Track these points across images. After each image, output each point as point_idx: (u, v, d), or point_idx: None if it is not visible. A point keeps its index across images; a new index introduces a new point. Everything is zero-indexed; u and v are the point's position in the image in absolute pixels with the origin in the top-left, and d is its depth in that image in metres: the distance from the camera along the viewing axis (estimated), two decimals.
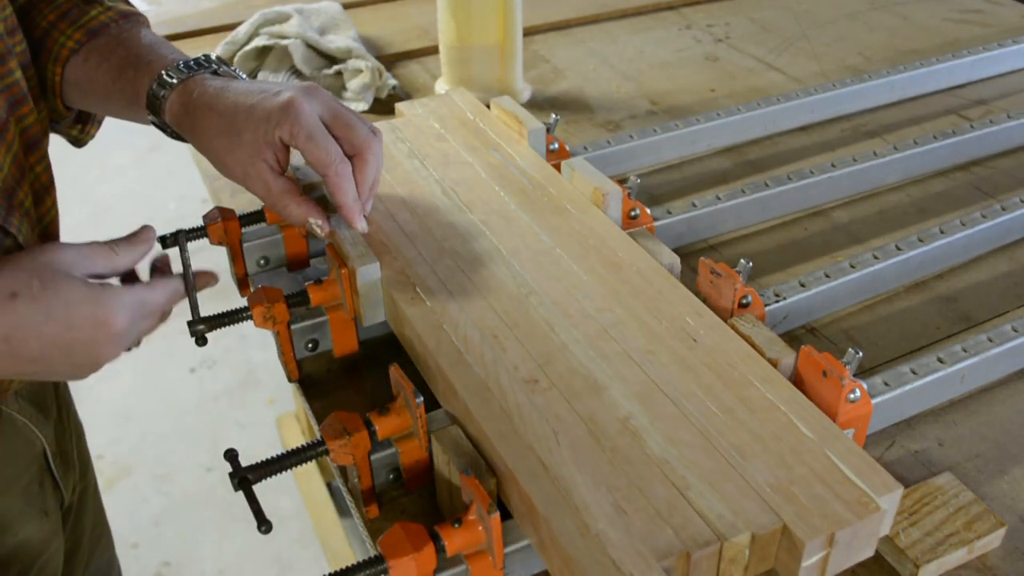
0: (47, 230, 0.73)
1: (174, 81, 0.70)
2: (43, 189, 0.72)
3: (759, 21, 1.40)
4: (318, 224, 0.69)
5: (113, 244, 0.63)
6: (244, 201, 0.99)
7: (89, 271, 0.60)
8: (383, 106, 1.15)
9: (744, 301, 0.68)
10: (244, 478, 0.58)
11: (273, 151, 0.66)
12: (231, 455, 0.59)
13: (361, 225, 0.69)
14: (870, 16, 1.40)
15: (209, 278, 0.70)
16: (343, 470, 0.64)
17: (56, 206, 0.75)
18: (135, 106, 0.73)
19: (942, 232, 0.82)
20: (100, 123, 0.83)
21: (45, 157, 0.72)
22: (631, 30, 1.38)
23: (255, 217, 0.80)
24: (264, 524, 0.56)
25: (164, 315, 0.65)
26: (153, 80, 0.70)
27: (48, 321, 0.56)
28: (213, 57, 0.73)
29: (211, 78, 0.70)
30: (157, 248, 0.70)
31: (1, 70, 0.65)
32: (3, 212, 0.64)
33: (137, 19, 0.77)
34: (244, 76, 0.73)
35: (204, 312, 0.72)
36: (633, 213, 0.78)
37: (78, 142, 0.83)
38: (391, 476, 0.63)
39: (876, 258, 0.79)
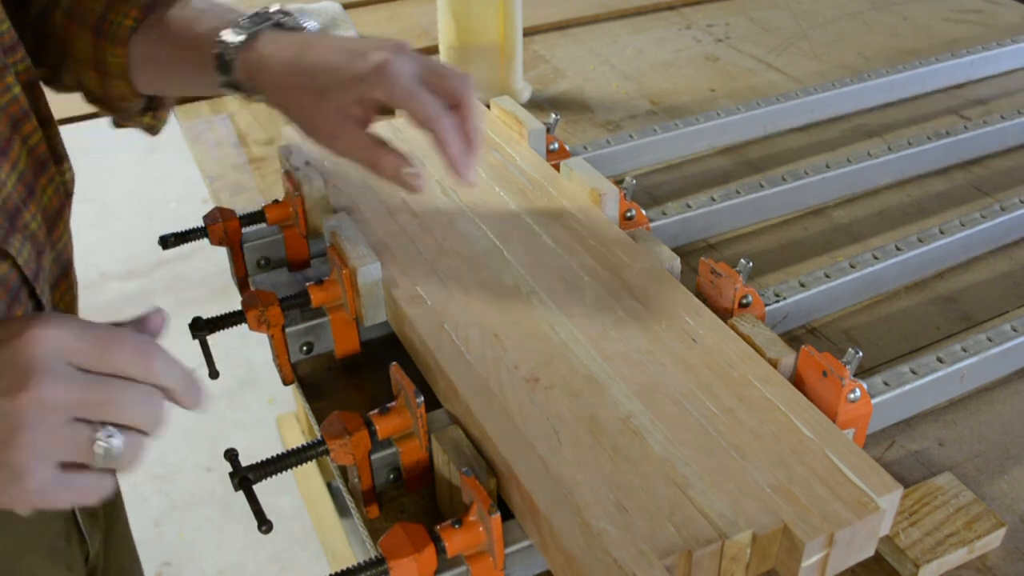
0: (60, 257, 0.68)
1: (242, 38, 0.68)
2: (55, 214, 0.68)
3: (759, 21, 1.40)
4: (413, 174, 0.65)
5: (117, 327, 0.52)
6: (244, 201, 0.99)
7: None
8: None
9: (744, 301, 0.69)
10: (244, 478, 0.58)
11: (363, 109, 0.64)
12: (231, 455, 0.59)
13: (472, 177, 0.65)
14: (870, 16, 1.40)
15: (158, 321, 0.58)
16: (343, 470, 0.64)
17: (69, 234, 0.70)
18: (204, 71, 0.70)
19: (942, 232, 0.82)
20: (170, 107, 0.81)
21: (55, 180, 0.68)
22: (631, 30, 1.38)
23: (255, 217, 0.80)
24: (264, 524, 0.56)
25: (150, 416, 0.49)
26: (218, 39, 0.68)
27: None
28: (272, 10, 0.70)
29: (280, 32, 0.68)
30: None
31: None
32: (2, 232, 0.59)
33: None
34: (309, 23, 0.71)
35: (205, 313, 0.72)
36: (629, 214, 0.78)
37: (152, 129, 0.81)
38: (391, 476, 0.63)
39: (876, 258, 0.79)
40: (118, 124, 0.81)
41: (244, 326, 0.71)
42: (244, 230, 0.80)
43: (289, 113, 0.67)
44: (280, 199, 0.81)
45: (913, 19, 1.39)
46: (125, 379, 0.47)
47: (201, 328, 0.70)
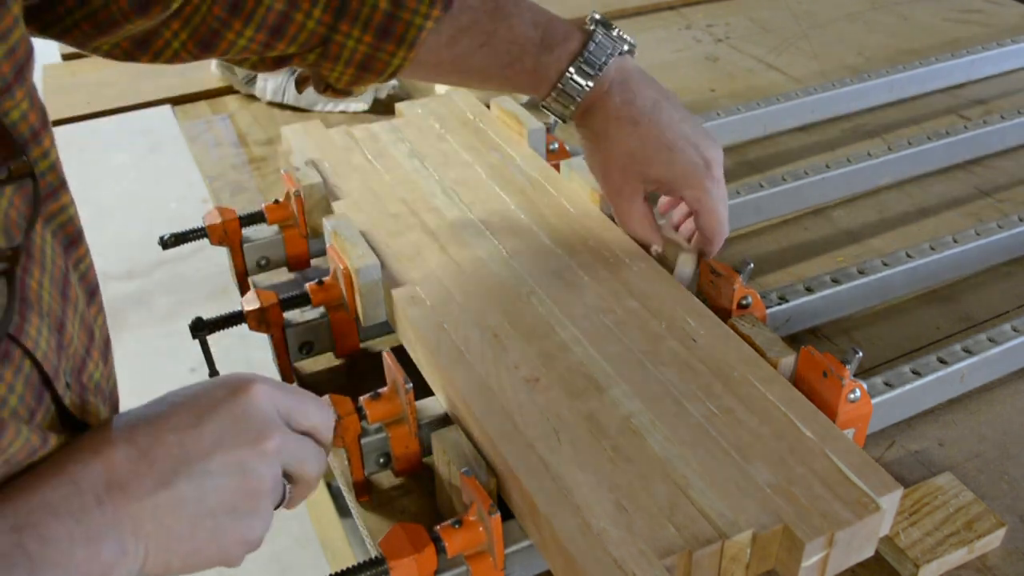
0: (112, 395, 0.56)
1: (591, 75, 0.68)
2: (105, 346, 0.56)
3: (759, 21, 1.40)
4: (658, 250, 0.73)
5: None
6: (244, 201, 0.99)
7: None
8: (383, 106, 1.15)
9: (743, 302, 0.68)
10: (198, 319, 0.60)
11: (670, 193, 0.71)
12: None
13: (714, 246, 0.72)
14: (870, 16, 1.40)
15: None
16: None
17: (114, 366, 0.58)
18: (524, 89, 0.70)
19: (955, 241, 0.81)
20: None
21: (102, 305, 0.56)
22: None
23: (255, 217, 0.80)
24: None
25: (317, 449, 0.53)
26: (566, 73, 0.68)
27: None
28: (603, 34, 0.69)
29: (626, 72, 0.69)
30: None
31: (53, 207, 0.49)
32: (78, 401, 0.49)
33: None
34: (632, 42, 0.72)
35: (205, 313, 0.72)
36: None
37: (348, 94, 0.74)
38: (381, 460, 0.64)
39: (886, 264, 0.78)
40: (302, 89, 0.78)
41: (244, 326, 0.71)
42: (244, 230, 0.80)
43: (594, 157, 0.71)
44: (280, 199, 0.81)
45: (913, 19, 1.39)
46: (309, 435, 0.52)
47: (201, 328, 0.70)
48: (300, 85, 0.75)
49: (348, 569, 0.52)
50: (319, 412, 0.53)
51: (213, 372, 0.73)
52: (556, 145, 0.88)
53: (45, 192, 0.49)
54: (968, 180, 0.99)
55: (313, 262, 0.83)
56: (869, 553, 0.54)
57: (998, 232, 0.83)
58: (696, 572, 0.50)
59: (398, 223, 0.76)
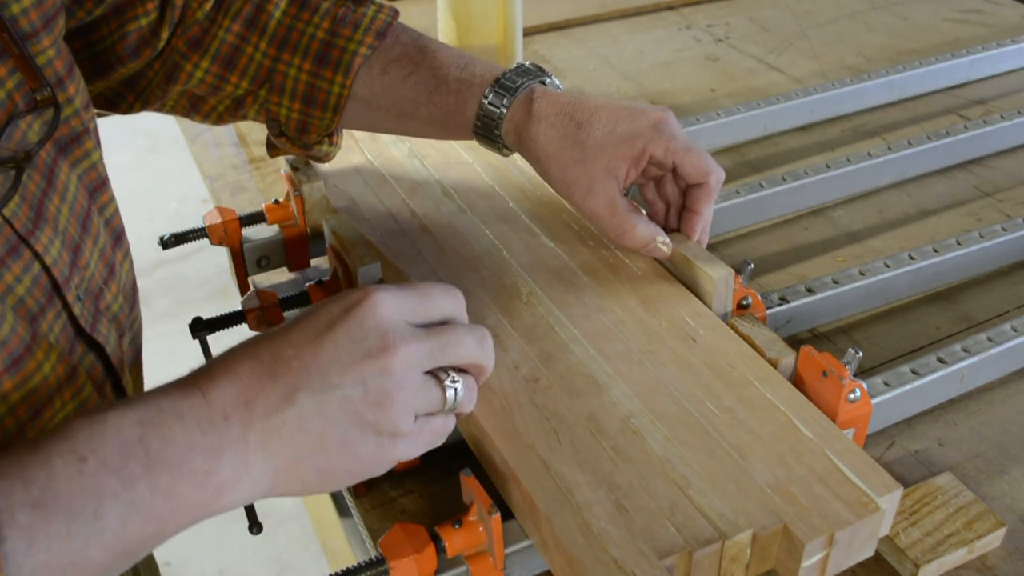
0: (136, 339, 0.63)
1: (510, 93, 0.67)
2: (132, 290, 0.63)
3: (759, 21, 1.40)
4: (664, 243, 0.68)
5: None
6: (244, 201, 0.99)
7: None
8: None
9: (743, 303, 0.68)
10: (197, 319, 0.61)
11: (627, 168, 0.65)
12: None
13: (705, 239, 0.70)
14: (870, 16, 1.40)
15: None
16: None
17: (140, 313, 0.65)
18: (451, 122, 0.69)
19: (959, 243, 0.81)
20: (342, 133, 0.77)
21: (129, 251, 0.63)
22: (631, 30, 1.38)
23: (255, 217, 0.80)
24: (255, 525, 0.57)
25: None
26: (486, 90, 0.67)
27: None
28: (528, 65, 0.70)
29: (545, 90, 0.68)
30: None
31: (77, 152, 0.56)
32: (90, 318, 0.54)
33: (397, 13, 0.72)
34: (555, 82, 0.71)
35: (205, 313, 0.72)
36: None
37: (327, 157, 0.76)
38: None
39: (887, 266, 0.78)
40: (274, 155, 0.76)
41: (244, 326, 0.71)
42: (244, 230, 0.80)
43: (549, 164, 0.66)
44: (280, 199, 0.81)
45: (913, 19, 1.39)
46: (450, 323, 0.50)
47: (201, 328, 0.70)
48: (271, 150, 0.76)
49: (348, 569, 0.52)
50: (446, 299, 0.51)
51: None
52: None
53: (69, 137, 0.55)
54: (968, 180, 0.99)
55: (313, 262, 0.83)
56: (869, 553, 0.54)
57: (1002, 235, 0.83)
58: (696, 572, 0.50)
59: (398, 223, 0.76)
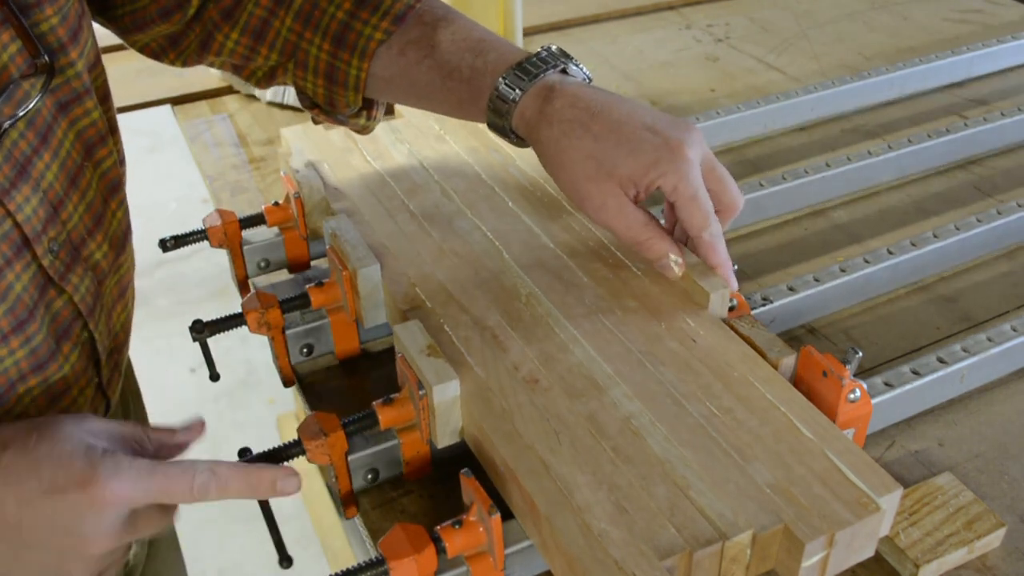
0: (122, 280, 0.67)
1: (526, 81, 0.64)
2: (123, 236, 0.67)
3: (759, 21, 1.40)
4: (676, 263, 0.65)
5: (148, 430, 0.56)
6: (244, 201, 0.99)
7: (106, 444, 0.52)
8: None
9: (729, 305, 0.68)
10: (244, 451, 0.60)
11: (637, 189, 0.62)
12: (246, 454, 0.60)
13: (735, 283, 0.66)
14: (870, 16, 1.40)
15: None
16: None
17: (132, 252, 0.69)
18: (467, 105, 0.67)
19: (935, 236, 0.82)
20: (385, 106, 0.77)
21: (125, 199, 0.67)
22: (631, 30, 1.38)
23: (255, 219, 0.80)
24: (285, 559, 0.65)
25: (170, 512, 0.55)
26: (499, 79, 0.64)
27: (31, 476, 0.48)
28: (555, 49, 0.66)
29: (566, 81, 0.64)
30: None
31: (77, 110, 0.60)
32: (62, 268, 0.59)
33: None
34: (588, 74, 0.67)
35: (205, 314, 0.72)
36: None
37: (365, 130, 0.77)
38: (369, 476, 0.64)
39: (867, 262, 0.79)
40: (318, 121, 0.78)
41: (245, 328, 0.71)
42: (244, 232, 0.80)
43: (561, 171, 0.64)
44: (280, 201, 0.81)
45: (913, 19, 1.39)
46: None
47: (201, 330, 0.70)
48: (314, 119, 0.78)
49: (348, 570, 0.52)
50: (184, 497, 0.53)
51: (213, 373, 0.74)
52: None
53: (69, 96, 0.59)
54: (968, 179, 0.99)
55: (313, 264, 0.83)
56: (869, 553, 0.54)
57: (977, 226, 0.84)
58: (696, 572, 0.50)
59: (397, 225, 0.76)
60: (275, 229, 0.81)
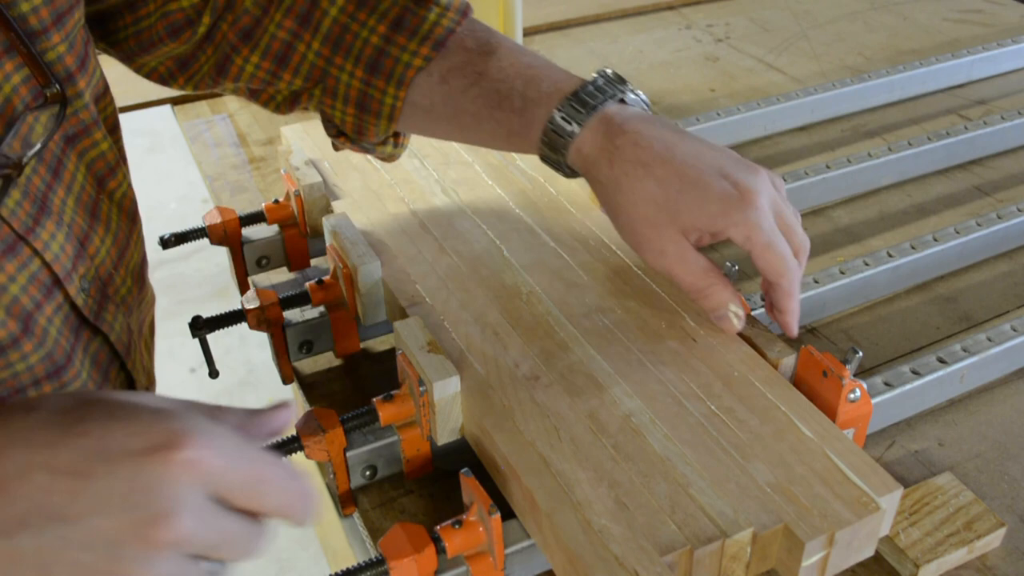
0: (146, 317, 0.63)
1: (584, 114, 0.60)
2: (141, 269, 0.63)
3: (759, 21, 1.40)
4: (736, 315, 0.61)
5: (224, 409, 0.44)
6: (244, 201, 0.99)
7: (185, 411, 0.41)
8: None
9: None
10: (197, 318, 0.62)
11: (700, 235, 0.59)
12: None
13: (795, 330, 0.63)
14: (870, 16, 1.40)
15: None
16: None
17: (152, 288, 0.65)
18: (517, 138, 0.63)
19: (935, 239, 0.82)
20: (408, 135, 0.72)
21: (141, 230, 0.63)
22: (631, 30, 1.38)
23: (255, 217, 0.80)
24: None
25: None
26: (554, 110, 0.60)
27: (82, 441, 0.37)
28: (610, 74, 0.62)
29: (627, 114, 0.60)
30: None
31: (86, 142, 0.57)
32: (95, 306, 0.55)
33: (468, 8, 0.65)
34: (645, 99, 0.64)
35: (205, 313, 0.72)
36: None
37: (391, 158, 0.73)
38: (367, 473, 0.64)
39: (867, 264, 0.79)
40: (340, 148, 0.73)
41: (244, 326, 0.71)
42: (244, 230, 0.80)
43: (620, 212, 0.60)
44: (280, 199, 0.81)
45: (913, 19, 1.39)
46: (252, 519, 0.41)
47: (201, 327, 0.70)
48: (335, 147, 0.73)
49: (348, 570, 0.52)
50: (276, 502, 0.41)
51: (213, 371, 0.74)
52: None
53: (77, 128, 0.56)
54: (968, 180, 0.99)
55: (313, 262, 0.83)
56: (869, 553, 0.54)
57: (977, 229, 0.84)
58: (697, 570, 0.50)
59: (398, 222, 0.76)
60: (275, 227, 0.81)
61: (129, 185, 0.61)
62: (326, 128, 0.71)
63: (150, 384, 0.66)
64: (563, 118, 0.60)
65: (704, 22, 1.40)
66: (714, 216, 0.58)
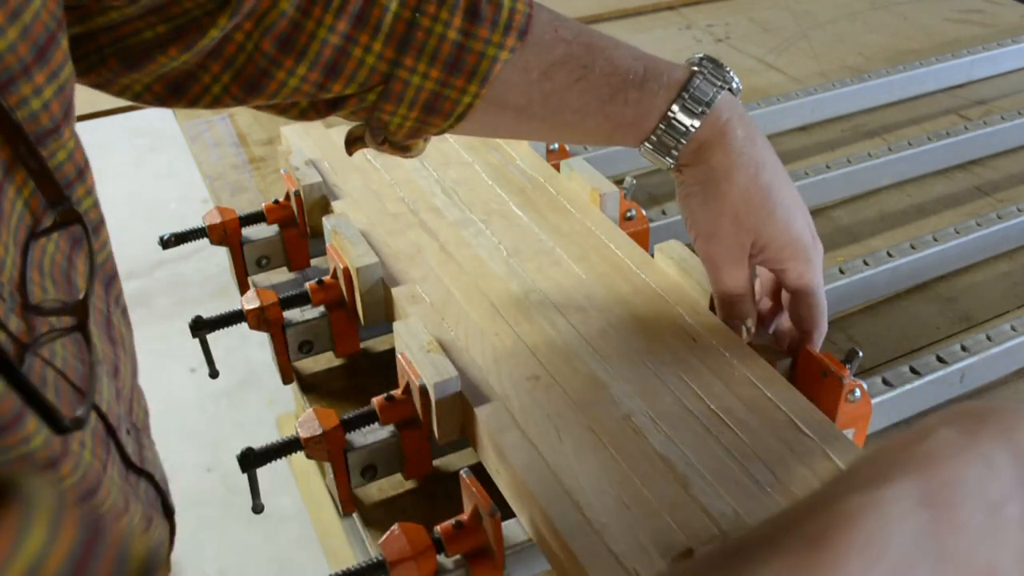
0: (144, 429, 0.52)
1: (702, 108, 0.59)
2: (134, 375, 0.52)
3: (759, 21, 1.40)
4: (750, 330, 0.64)
5: None
6: (244, 201, 0.99)
7: None
8: None
9: (628, 215, 0.67)
10: (248, 452, 0.59)
11: (768, 258, 0.62)
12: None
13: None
14: (870, 16, 1.40)
15: None
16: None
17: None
18: (620, 134, 0.61)
19: (935, 239, 0.82)
20: None
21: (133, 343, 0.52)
22: (631, 30, 1.38)
23: (255, 217, 0.80)
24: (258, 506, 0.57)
25: None
26: (673, 105, 0.59)
27: None
28: (710, 62, 0.61)
29: (740, 112, 0.61)
30: None
31: (96, 243, 0.45)
32: (136, 447, 0.46)
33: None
34: (737, 81, 0.63)
35: (205, 313, 0.72)
36: (629, 214, 0.78)
37: (417, 154, 0.63)
38: (367, 474, 0.64)
39: (867, 264, 0.79)
40: (354, 151, 0.63)
41: (244, 326, 0.71)
42: (244, 230, 0.80)
43: (705, 203, 0.61)
44: (280, 199, 0.81)
45: (913, 19, 1.39)
46: None
47: (201, 327, 0.70)
48: (350, 147, 0.63)
49: (348, 571, 0.52)
50: None
51: (213, 371, 0.73)
52: (556, 145, 0.88)
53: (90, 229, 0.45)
54: (968, 180, 0.99)
55: (313, 262, 0.83)
56: None
57: (977, 230, 0.84)
58: None
59: (398, 222, 0.76)
60: (275, 227, 0.81)
61: (116, 272, 0.51)
62: (371, 134, 0.60)
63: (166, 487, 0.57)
64: (683, 110, 0.59)
65: (704, 22, 1.40)
66: (789, 245, 0.60)
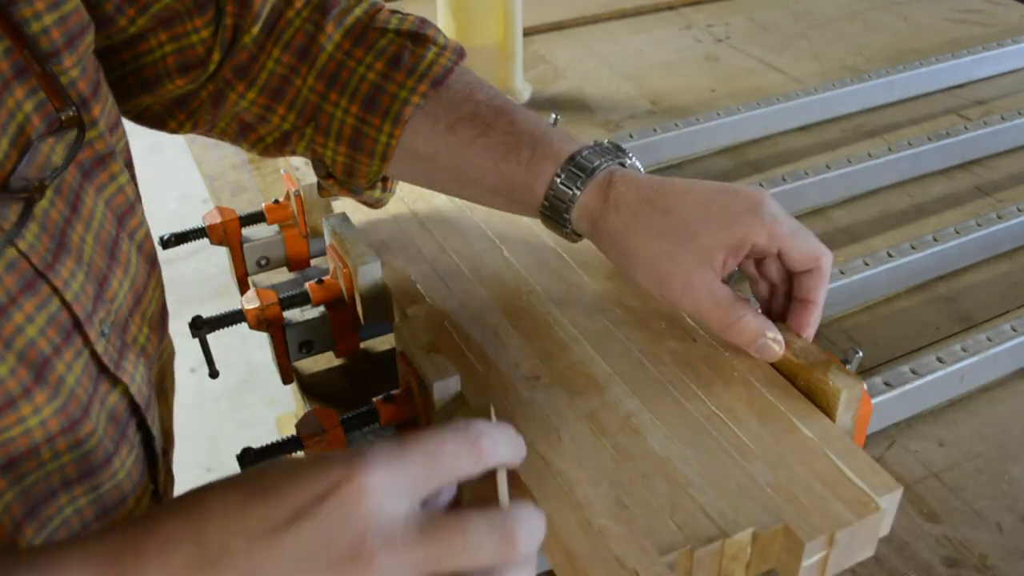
0: (165, 369, 0.60)
1: (592, 168, 0.60)
2: (161, 318, 0.60)
3: (759, 21, 1.40)
4: (776, 341, 0.59)
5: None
6: (244, 201, 0.99)
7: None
8: None
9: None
10: (248, 452, 0.59)
11: (724, 257, 0.57)
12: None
13: (812, 332, 0.61)
14: (870, 16, 1.40)
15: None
16: None
17: (171, 340, 0.63)
18: (517, 196, 0.62)
19: (935, 239, 0.82)
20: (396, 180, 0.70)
21: (161, 277, 0.60)
22: (631, 30, 1.38)
23: (255, 217, 0.80)
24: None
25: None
26: (560, 169, 0.60)
27: (256, 508, 0.36)
28: (606, 144, 0.62)
29: (624, 172, 0.60)
30: None
31: (103, 176, 0.53)
32: (115, 355, 0.51)
33: (463, 52, 0.65)
34: (636, 163, 0.64)
35: (205, 313, 0.72)
36: None
37: (379, 203, 0.70)
38: None
39: (867, 264, 0.79)
40: (325, 195, 0.71)
41: (244, 326, 0.71)
42: (244, 230, 0.80)
43: (636, 260, 0.59)
44: (280, 199, 0.81)
45: (913, 19, 1.39)
46: (466, 512, 0.38)
47: (201, 327, 0.70)
48: (320, 191, 0.71)
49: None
50: (462, 455, 0.39)
51: (213, 370, 0.73)
52: None
53: (93, 160, 0.52)
54: (968, 180, 0.99)
55: (313, 262, 0.83)
56: (869, 553, 0.54)
57: (977, 230, 0.84)
58: (697, 570, 0.50)
59: (398, 222, 0.76)
60: (275, 227, 0.81)
61: (148, 230, 0.58)
62: (316, 170, 0.69)
63: (168, 446, 0.62)
64: (563, 184, 0.60)
65: (704, 22, 1.40)
66: (730, 225, 0.57)
